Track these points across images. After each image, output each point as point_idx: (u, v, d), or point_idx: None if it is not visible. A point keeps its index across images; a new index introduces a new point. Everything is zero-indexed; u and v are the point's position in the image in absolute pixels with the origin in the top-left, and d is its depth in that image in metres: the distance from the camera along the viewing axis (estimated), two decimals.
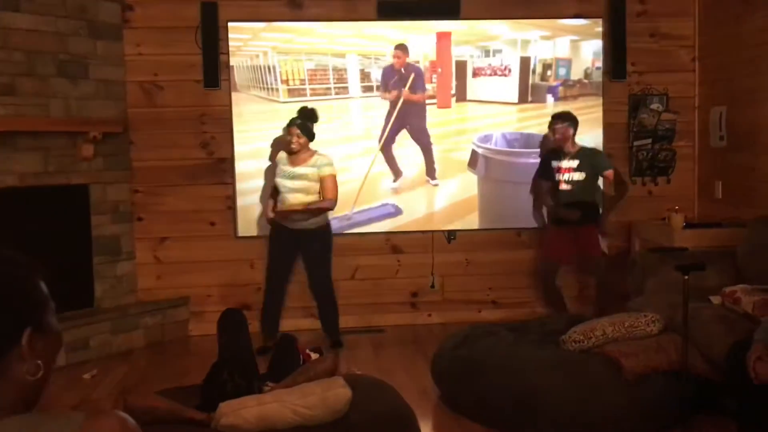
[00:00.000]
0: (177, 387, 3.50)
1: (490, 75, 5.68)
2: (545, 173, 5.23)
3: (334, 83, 5.60)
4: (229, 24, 5.49)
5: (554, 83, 5.68)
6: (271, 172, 5.24)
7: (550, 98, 5.67)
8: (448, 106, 5.69)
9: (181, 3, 5.51)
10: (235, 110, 5.53)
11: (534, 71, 5.67)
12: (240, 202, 5.56)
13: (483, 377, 3.66)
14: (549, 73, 5.68)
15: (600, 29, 5.68)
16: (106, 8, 5.30)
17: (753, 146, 5.01)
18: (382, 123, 5.63)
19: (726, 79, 5.40)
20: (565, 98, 5.65)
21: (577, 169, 5.07)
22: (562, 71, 5.67)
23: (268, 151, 5.51)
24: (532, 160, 5.54)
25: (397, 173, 5.67)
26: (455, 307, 5.81)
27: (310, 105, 5.08)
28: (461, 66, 5.66)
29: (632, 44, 5.73)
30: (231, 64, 5.50)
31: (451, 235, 5.79)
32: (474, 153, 5.65)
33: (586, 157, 5.10)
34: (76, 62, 5.09)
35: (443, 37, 5.64)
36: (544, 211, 5.46)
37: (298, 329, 5.33)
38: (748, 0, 5.04)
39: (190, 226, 5.60)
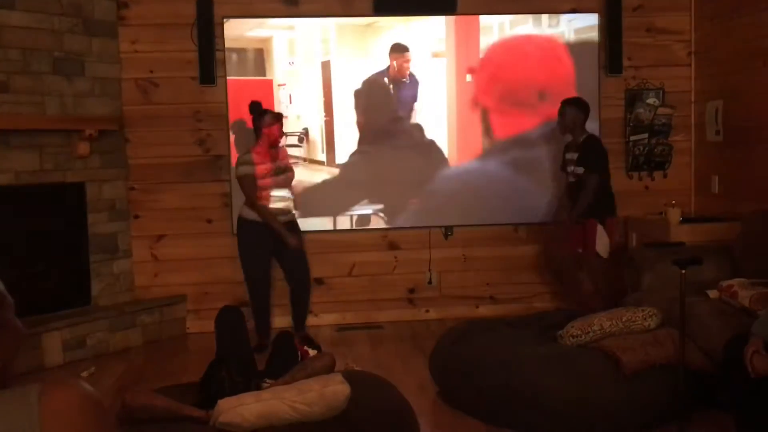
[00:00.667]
0: (175, 384, 3.50)
1: None
2: (561, 163, 5.18)
3: None
4: (225, 20, 5.48)
5: None
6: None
7: None
8: None
9: (177, 0, 5.49)
10: None
11: None
12: (236, 199, 5.55)
13: (481, 373, 3.66)
14: None
15: (596, 24, 5.68)
16: (102, 5, 5.28)
17: (749, 140, 5.02)
18: None
19: (722, 73, 5.41)
20: None
21: (578, 163, 4.93)
22: None
23: None
24: None
25: None
26: (453, 302, 5.82)
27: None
28: None
29: (628, 39, 5.73)
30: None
31: (448, 230, 5.79)
32: None
33: (585, 149, 4.94)
34: (72, 60, 5.08)
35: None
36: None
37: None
38: None
39: (186, 223, 5.60)
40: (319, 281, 5.72)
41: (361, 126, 5.63)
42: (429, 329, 5.43)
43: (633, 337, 3.59)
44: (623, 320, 3.66)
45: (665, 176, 5.88)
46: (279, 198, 4.94)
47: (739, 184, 5.17)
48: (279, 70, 5.58)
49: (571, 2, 5.73)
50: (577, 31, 5.69)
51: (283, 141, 5.09)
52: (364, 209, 5.66)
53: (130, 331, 5.27)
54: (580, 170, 4.93)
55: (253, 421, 2.64)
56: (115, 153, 5.42)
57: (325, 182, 5.62)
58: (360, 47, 5.61)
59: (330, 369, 3.14)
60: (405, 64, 5.61)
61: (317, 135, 5.57)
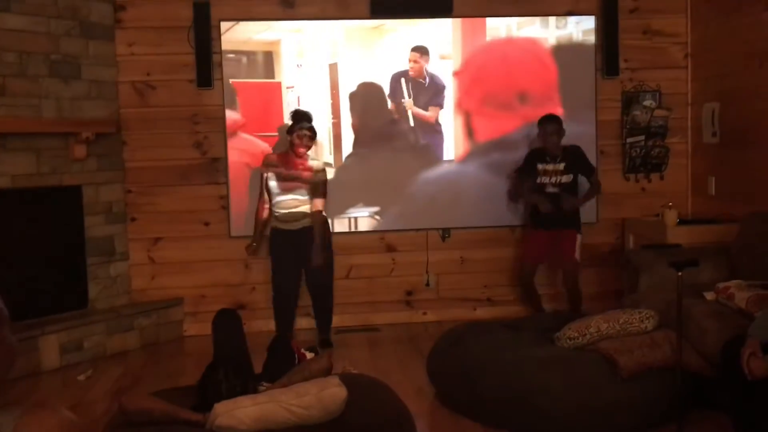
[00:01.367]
0: (172, 388, 3.50)
1: None
2: (528, 172, 5.21)
3: None
4: (222, 23, 5.48)
5: None
6: (256, 178, 5.25)
7: None
8: None
9: (173, 3, 5.49)
10: None
11: None
12: (233, 201, 5.55)
13: (478, 375, 3.66)
14: None
15: (593, 26, 5.69)
16: (98, 8, 5.28)
17: (745, 142, 5.03)
18: None
19: (718, 75, 5.42)
20: None
21: (565, 171, 5.09)
22: None
23: None
24: None
25: None
26: (450, 305, 5.81)
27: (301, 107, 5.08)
28: None
29: (625, 41, 5.74)
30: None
31: (445, 232, 5.79)
32: None
33: (572, 157, 5.11)
34: (68, 62, 5.08)
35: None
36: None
37: (294, 328, 5.34)
38: None
39: (183, 226, 5.59)
40: None
41: (356, 128, 5.63)
42: (426, 331, 5.43)
43: (630, 339, 3.59)
44: (620, 322, 3.66)
45: (662, 178, 5.89)
46: (286, 203, 4.97)
47: (736, 185, 5.18)
48: (287, 73, 5.57)
49: (567, 5, 5.73)
50: (573, 32, 5.69)
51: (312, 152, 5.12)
52: (360, 212, 5.66)
53: (127, 334, 5.26)
54: (569, 178, 5.08)
55: (250, 425, 2.63)
56: (112, 156, 5.42)
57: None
58: (366, 49, 5.61)
59: (327, 372, 3.14)
60: (419, 65, 5.62)
61: (325, 137, 5.57)
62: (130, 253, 5.55)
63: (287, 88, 5.58)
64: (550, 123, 5.10)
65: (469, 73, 5.68)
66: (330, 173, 5.40)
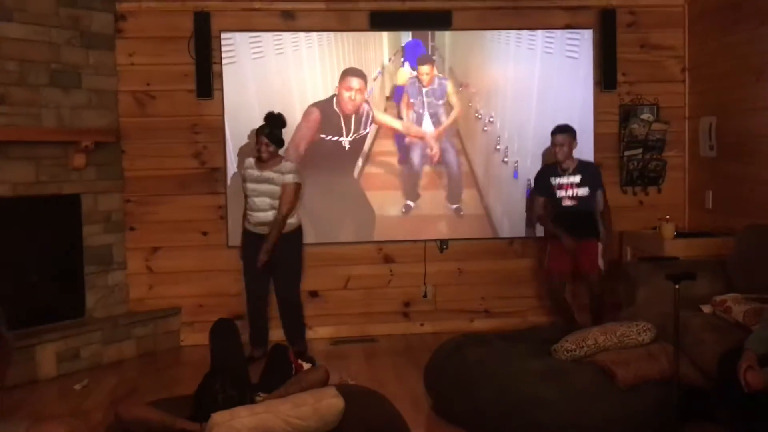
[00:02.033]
0: (168, 397, 3.49)
1: None
2: (542, 189, 5.19)
3: None
4: (222, 34, 5.50)
5: None
6: (237, 180, 5.24)
7: None
8: None
9: (174, 13, 5.51)
10: None
11: None
12: (232, 211, 5.55)
13: (475, 387, 3.65)
14: None
15: (591, 40, 5.71)
16: (99, 18, 5.30)
17: (742, 156, 5.04)
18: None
19: (715, 89, 5.44)
20: None
21: (581, 184, 5.04)
22: None
23: None
24: None
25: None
26: (448, 316, 5.81)
27: (276, 110, 5.03)
28: None
29: (622, 55, 5.77)
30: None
31: (443, 244, 5.79)
32: None
33: (587, 170, 5.08)
34: (69, 72, 5.09)
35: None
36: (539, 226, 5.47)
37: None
38: (737, 11, 5.08)
39: (182, 235, 5.59)
40: (314, 294, 5.71)
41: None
42: (424, 343, 5.41)
43: (627, 351, 3.59)
44: (617, 335, 3.66)
45: (659, 191, 5.90)
46: (257, 206, 4.96)
47: (733, 199, 5.19)
48: None
49: (565, 18, 5.76)
50: (571, 46, 5.72)
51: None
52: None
53: (125, 344, 5.25)
54: (585, 191, 5.03)
55: None
56: (112, 165, 5.42)
57: None
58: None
59: (324, 382, 3.13)
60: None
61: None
62: (128, 263, 5.54)
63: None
64: (559, 134, 5.06)
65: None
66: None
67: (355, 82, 5.59)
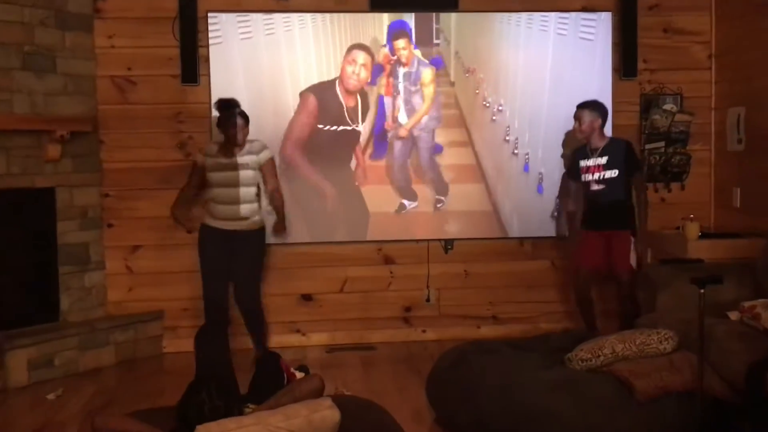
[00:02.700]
0: (150, 408, 3.49)
1: None
2: (573, 173, 5.18)
3: None
4: (209, 14, 5.49)
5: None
6: (197, 175, 5.14)
7: None
8: None
9: None
10: None
11: None
12: None
13: (482, 399, 3.66)
14: None
15: (609, 23, 5.71)
16: None
17: None
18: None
19: (745, 78, 5.44)
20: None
21: (608, 166, 4.95)
22: None
23: None
24: None
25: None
26: (452, 322, 5.81)
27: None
28: None
29: (644, 40, 5.77)
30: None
31: (448, 244, 5.80)
32: None
33: (618, 150, 4.98)
34: (43, 55, 5.08)
35: None
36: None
37: (282, 346, 5.34)
38: None
39: (164, 233, 5.58)
40: (308, 298, 5.72)
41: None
42: (426, 351, 5.43)
43: (647, 361, 3.60)
44: (637, 343, 3.67)
45: (683, 188, 5.90)
46: (224, 199, 4.95)
47: (763, 197, 5.19)
48: None
49: (582, 0, 5.76)
50: (588, 30, 5.72)
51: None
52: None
53: (102, 350, 5.25)
54: (614, 173, 4.94)
55: None
56: (89, 156, 5.42)
57: None
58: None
59: (318, 393, 3.13)
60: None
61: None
62: (106, 262, 5.55)
63: None
64: (578, 109, 5.02)
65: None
66: None
67: (359, 55, 5.59)
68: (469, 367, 3.89)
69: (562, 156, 5.59)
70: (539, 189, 5.68)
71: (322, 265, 5.72)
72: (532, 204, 5.69)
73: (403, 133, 5.68)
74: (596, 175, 5.01)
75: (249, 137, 4.99)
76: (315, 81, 5.61)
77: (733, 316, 4.02)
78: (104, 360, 5.26)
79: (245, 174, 4.93)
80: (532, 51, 5.72)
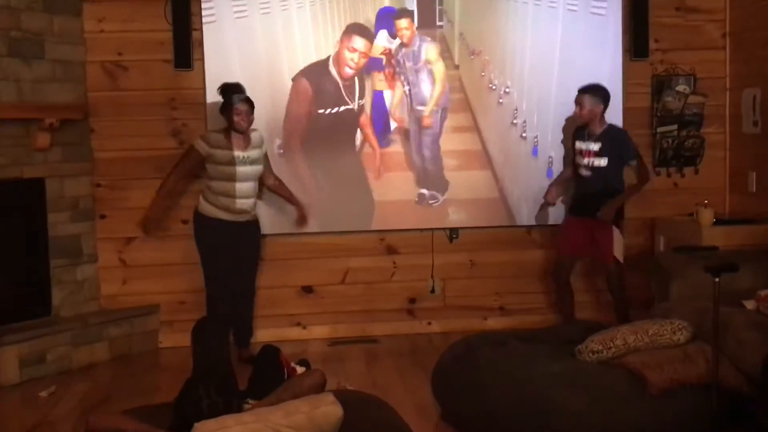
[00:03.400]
0: (146, 405, 3.51)
1: None
2: (569, 148, 5.27)
3: None
4: None
5: None
6: (193, 163, 5.14)
7: None
8: None
9: None
10: None
11: None
12: None
13: (489, 392, 3.67)
14: None
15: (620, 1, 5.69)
16: None
17: None
18: None
19: (760, 57, 5.42)
20: None
21: (599, 154, 5.01)
22: None
23: None
24: None
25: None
26: (458, 314, 5.82)
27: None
28: None
29: (656, 19, 5.75)
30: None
31: (453, 233, 5.80)
32: None
33: (611, 139, 5.03)
34: (30, 40, 5.07)
35: None
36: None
37: (282, 339, 5.35)
38: None
39: (159, 224, 5.59)
40: (308, 289, 5.73)
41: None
42: (431, 344, 5.44)
43: (660, 352, 3.60)
44: (649, 334, 3.67)
45: (696, 172, 5.90)
46: (237, 193, 4.97)
47: None
48: None
49: None
50: (600, 4, 5.68)
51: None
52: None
53: (96, 346, 5.27)
54: (603, 161, 5.00)
55: None
56: (79, 145, 5.42)
57: None
58: None
59: (320, 388, 3.15)
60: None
61: None
62: (98, 255, 5.56)
63: None
64: (579, 93, 5.06)
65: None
66: None
67: (359, 42, 5.57)
68: (476, 360, 3.90)
69: (562, 142, 5.59)
70: (548, 173, 5.67)
71: (323, 255, 5.73)
72: (541, 190, 5.63)
73: (427, 122, 5.66)
74: (586, 161, 5.07)
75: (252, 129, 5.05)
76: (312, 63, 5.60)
77: (749, 305, 4.02)
78: (98, 356, 5.28)
79: (257, 169, 5.04)
80: (541, 29, 5.69)
